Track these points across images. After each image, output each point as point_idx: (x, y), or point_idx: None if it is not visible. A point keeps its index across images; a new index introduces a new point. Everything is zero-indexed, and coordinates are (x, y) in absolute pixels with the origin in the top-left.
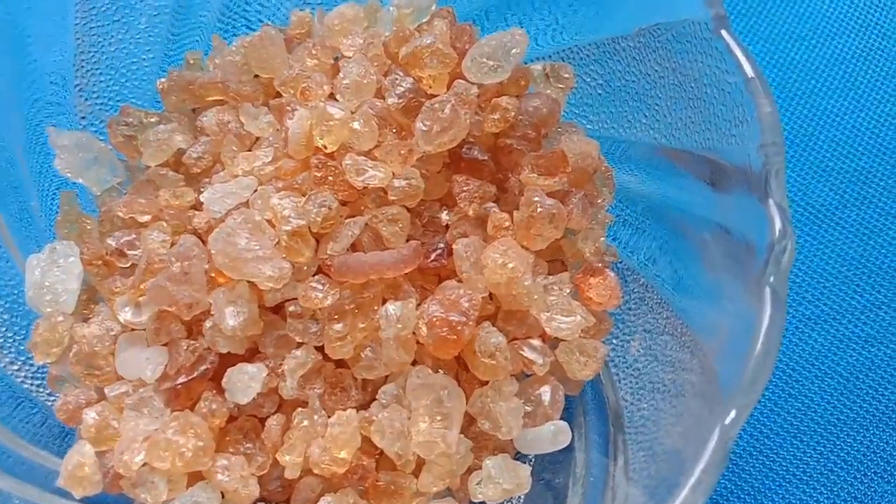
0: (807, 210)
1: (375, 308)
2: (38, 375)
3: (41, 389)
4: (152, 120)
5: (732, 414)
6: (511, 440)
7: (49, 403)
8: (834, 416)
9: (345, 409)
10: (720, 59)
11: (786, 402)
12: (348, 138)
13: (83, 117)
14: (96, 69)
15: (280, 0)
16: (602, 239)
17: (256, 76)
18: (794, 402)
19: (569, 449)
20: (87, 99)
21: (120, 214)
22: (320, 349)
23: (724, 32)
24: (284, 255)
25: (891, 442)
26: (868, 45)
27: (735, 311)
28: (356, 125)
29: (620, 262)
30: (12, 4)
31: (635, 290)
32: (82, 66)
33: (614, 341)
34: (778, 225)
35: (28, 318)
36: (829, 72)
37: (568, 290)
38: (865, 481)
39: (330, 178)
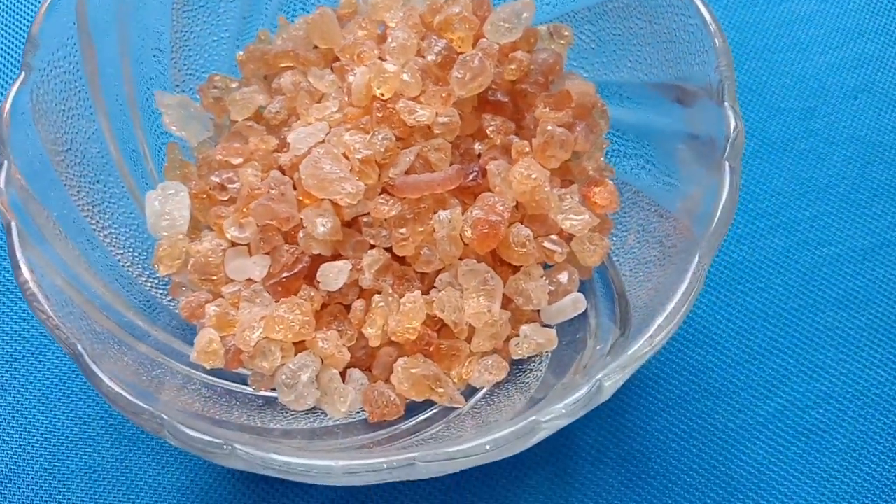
0: (764, 142)
1: (430, 216)
2: (160, 286)
3: (164, 296)
4: (234, 85)
5: (706, 244)
6: (539, 313)
7: (170, 307)
8: (796, 301)
9: (412, 293)
10: (685, 9)
11: (755, 292)
12: (400, 87)
13: (177, 85)
14: (186, 46)
15: None
16: (601, 158)
17: (316, 47)
18: (762, 292)
19: (584, 315)
20: (179, 70)
21: (218, 158)
22: (388, 250)
23: None
24: (358, 178)
25: (844, 322)
26: (811, 6)
27: (705, 188)
28: (406, 77)
29: (616, 177)
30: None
31: (629, 197)
32: (176, 44)
33: (614, 239)
34: (732, 119)
35: (147, 244)
36: (779, 30)
37: (577, 198)
38: (823, 352)
39: (387, 118)
